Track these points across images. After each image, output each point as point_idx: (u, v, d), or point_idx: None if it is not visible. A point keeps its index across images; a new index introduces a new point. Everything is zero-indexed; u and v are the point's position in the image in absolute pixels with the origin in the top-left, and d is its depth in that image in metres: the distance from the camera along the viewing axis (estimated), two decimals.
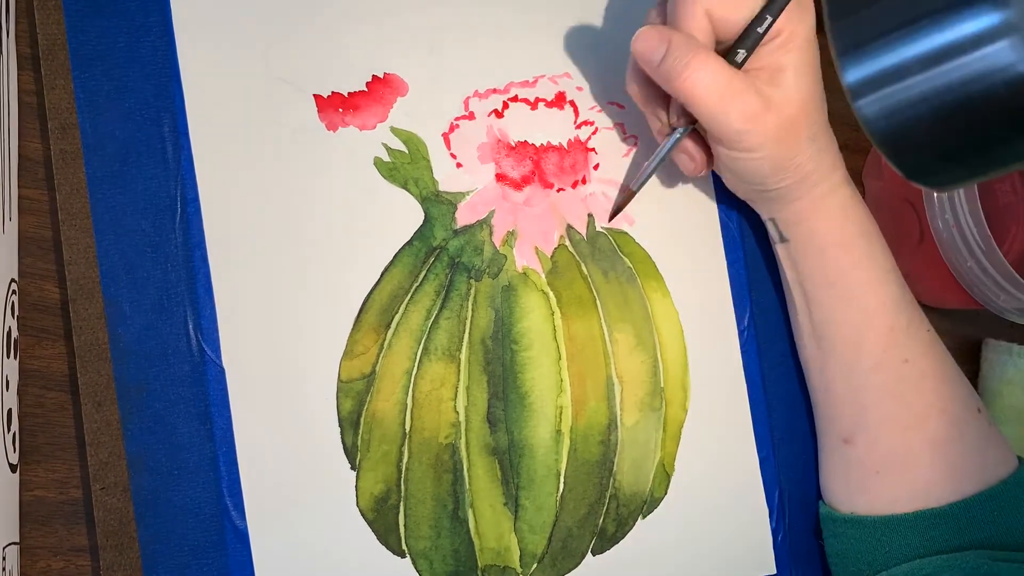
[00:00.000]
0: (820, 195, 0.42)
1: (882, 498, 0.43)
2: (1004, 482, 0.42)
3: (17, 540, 0.35)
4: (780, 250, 0.45)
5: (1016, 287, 0.46)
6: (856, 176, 0.53)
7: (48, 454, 0.37)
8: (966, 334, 0.55)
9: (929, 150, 0.28)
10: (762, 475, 0.46)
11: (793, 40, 0.39)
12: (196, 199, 0.38)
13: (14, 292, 0.36)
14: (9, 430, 0.35)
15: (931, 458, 0.42)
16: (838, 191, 0.42)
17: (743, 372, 0.47)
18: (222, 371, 0.38)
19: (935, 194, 0.46)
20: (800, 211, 0.42)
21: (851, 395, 0.43)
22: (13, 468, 0.35)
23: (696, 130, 0.42)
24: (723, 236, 0.47)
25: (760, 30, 0.38)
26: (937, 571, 0.40)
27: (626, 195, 0.43)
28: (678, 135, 0.41)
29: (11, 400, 0.35)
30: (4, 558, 0.34)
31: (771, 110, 0.39)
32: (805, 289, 0.44)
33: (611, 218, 0.44)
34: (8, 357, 0.35)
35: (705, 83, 0.37)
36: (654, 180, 0.46)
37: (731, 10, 0.38)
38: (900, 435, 0.42)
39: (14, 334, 0.36)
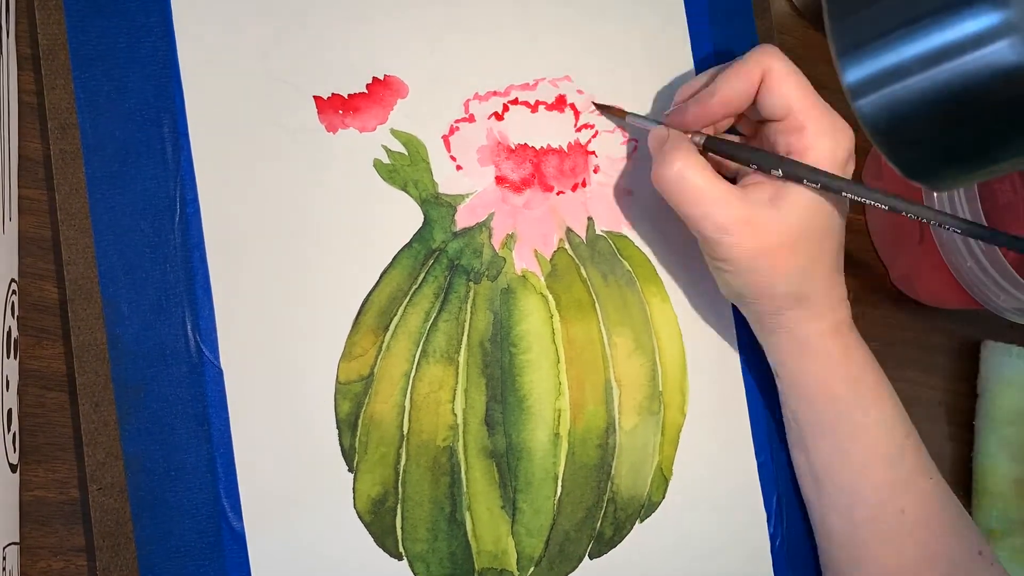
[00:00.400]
0: (804, 338, 0.41)
1: None
2: None
3: (17, 540, 0.35)
4: (777, 380, 0.44)
5: (1016, 287, 0.46)
6: (856, 176, 0.53)
7: (48, 454, 0.37)
8: (966, 334, 0.55)
9: (929, 150, 0.28)
10: (760, 480, 0.46)
11: (808, 160, 0.38)
12: (195, 200, 0.38)
13: (14, 292, 0.36)
14: (9, 430, 0.35)
15: None
16: (828, 339, 0.41)
17: (742, 376, 0.47)
18: (220, 372, 0.38)
19: (935, 194, 0.46)
20: (781, 347, 0.42)
21: (847, 542, 0.43)
22: (13, 468, 0.35)
23: None
24: None
25: (752, 167, 0.39)
26: None
27: (617, 113, 0.43)
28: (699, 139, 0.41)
29: (11, 400, 0.35)
30: (4, 558, 0.34)
31: (751, 226, 0.38)
32: (800, 427, 0.43)
33: (597, 106, 0.44)
34: (8, 357, 0.35)
35: (686, 177, 0.38)
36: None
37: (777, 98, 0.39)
38: None
39: (14, 334, 0.36)
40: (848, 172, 0.40)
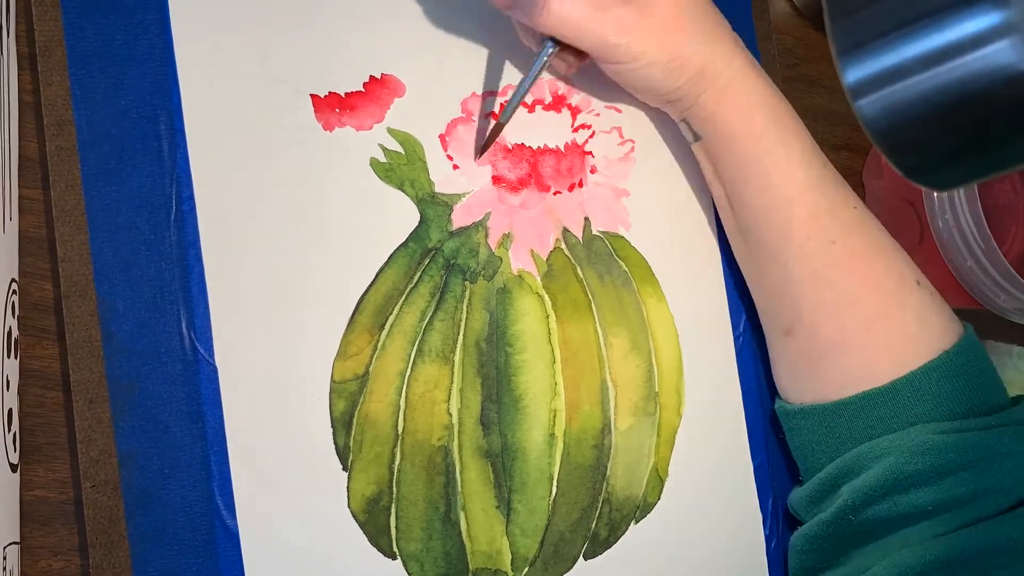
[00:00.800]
0: (721, 87, 0.41)
1: (827, 385, 0.42)
2: (946, 352, 0.41)
3: (17, 540, 0.35)
4: (696, 149, 0.44)
5: (1016, 287, 0.46)
6: (856, 176, 0.53)
7: (48, 454, 0.37)
8: None
9: (929, 150, 0.28)
10: (756, 481, 0.46)
11: None
12: (191, 197, 0.38)
13: (15, 292, 0.36)
14: (9, 430, 0.35)
15: (868, 337, 0.41)
16: (739, 80, 0.41)
17: (738, 377, 0.47)
18: (215, 370, 0.38)
19: (935, 194, 0.46)
20: (704, 105, 0.41)
21: (783, 287, 0.42)
22: (13, 468, 0.35)
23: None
24: (719, 241, 0.47)
25: None
26: (883, 452, 0.40)
27: (495, 128, 0.42)
28: (544, 57, 0.40)
29: (11, 400, 0.35)
30: (4, 558, 0.33)
31: (644, 14, 0.38)
32: (724, 184, 0.43)
33: (479, 155, 0.43)
34: (9, 357, 0.35)
35: (566, 11, 0.37)
36: (649, 185, 0.46)
37: None
38: (835, 319, 0.41)
39: (15, 334, 0.36)
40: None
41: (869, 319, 0.41)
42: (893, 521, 0.40)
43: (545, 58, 0.39)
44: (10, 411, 0.35)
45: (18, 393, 0.36)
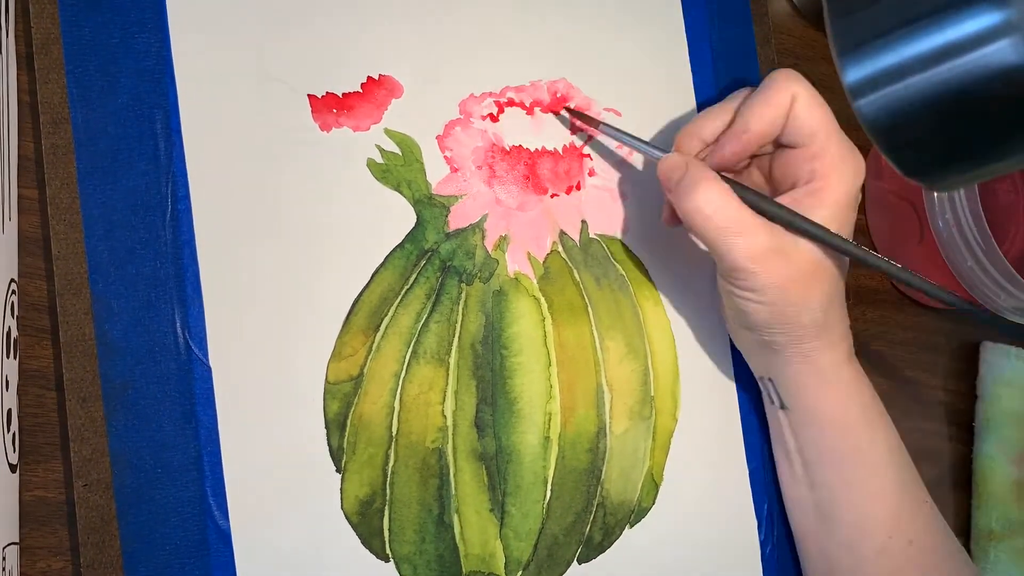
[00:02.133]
0: (822, 367, 0.41)
1: None
2: None
3: (17, 540, 0.35)
4: (779, 416, 0.43)
5: (1016, 287, 0.46)
6: None
7: (48, 454, 0.36)
8: (966, 334, 0.55)
9: (929, 149, 0.28)
10: (751, 486, 0.46)
11: (826, 193, 0.39)
12: (187, 197, 0.38)
13: (14, 292, 0.36)
14: (9, 430, 0.34)
15: None
16: (843, 367, 0.41)
17: (735, 382, 0.47)
18: (209, 370, 0.37)
19: (935, 194, 0.46)
20: (800, 378, 0.41)
21: (856, 571, 0.42)
22: (13, 468, 0.35)
23: None
24: None
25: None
26: None
27: (591, 123, 0.43)
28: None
29: (11, 400, 0.35)
30: (4, 558, 0.33)
31: (782, 256, 0.38)
32: (807, 461, 0.43)
33: (567, 112, 0.43)
34: (8, 357, 0.35)
35: (713, 205, 0.37)
36: (648, 189, 0.46)
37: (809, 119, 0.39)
38: None
39: (14, 334, 0.36)
40: (856, 203, 0.40)
41: None
42: None
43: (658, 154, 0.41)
44: (9, 411, 0.35)
45: (17, 393, 0.36)
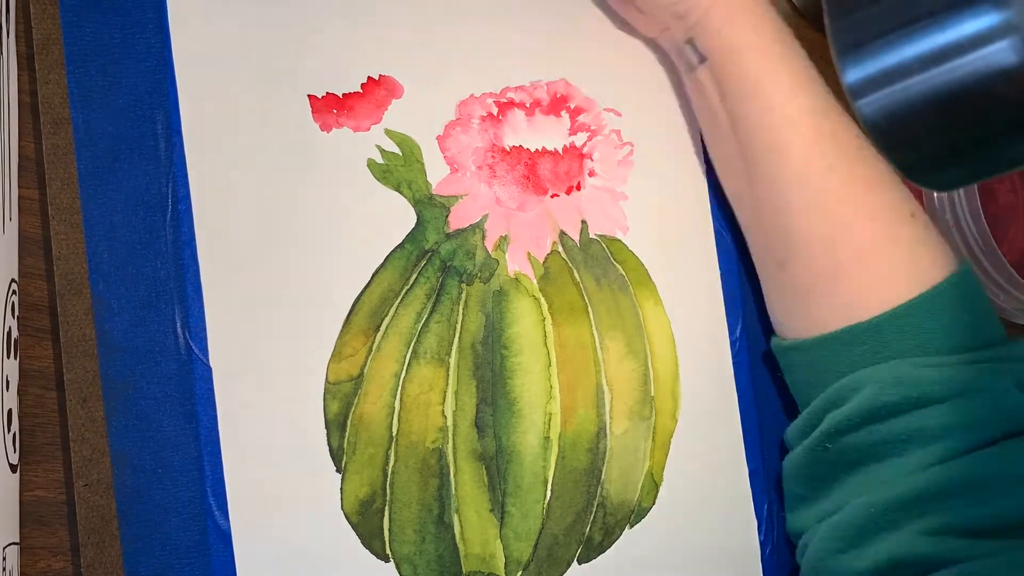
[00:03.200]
0: (724, 11, 0.41)
1: (816, 319, 0.42)
2: (935, 287, 0.40)
3: (17, 540, 0.35)
4: (701, 76, 0.43)
5: (1016, 287, 0.46)
6: None
7: (48, 454, 0.36)
8: None
9: (930, 150, 0.28)
10: (751, 486, 0.46)
11: None
12: (187, 197, 0.38)
13: (14, 292, 0.36)
14: (9, 430, 0.34)
15: (857, 270, 0.41)
16: (743, 11, 0.41)
17: (734, 383, 0.47)
18: (209, 370, 0.37)
19: (935, 194, 0.46)
20: (714, 18, 0.41)
21: (778, 216, 0.42)
22: (13, 468, 0.35)
23: None
24: (717, 245, 0.47)
25: None
26: (861, 384, 0.40)
27: None
28: None
29: (11, 400, 0.35)
30: (4, 558, 0.33)
31: None
32: (728, 107, 0.42)
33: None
34: (8, 357, 0.35)
35: None
36: (648, 188, 0.46)
37: None
38: (827, 250, 0.41)
39: (14, 334, 0.36)
40: None
41: (860, 251, 0.41)
42: (867, 450, 0.40)
43: None
44: (10, 411, 0.35)
45: (18, 393, 0.36)
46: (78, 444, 0.36)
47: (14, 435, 0.35)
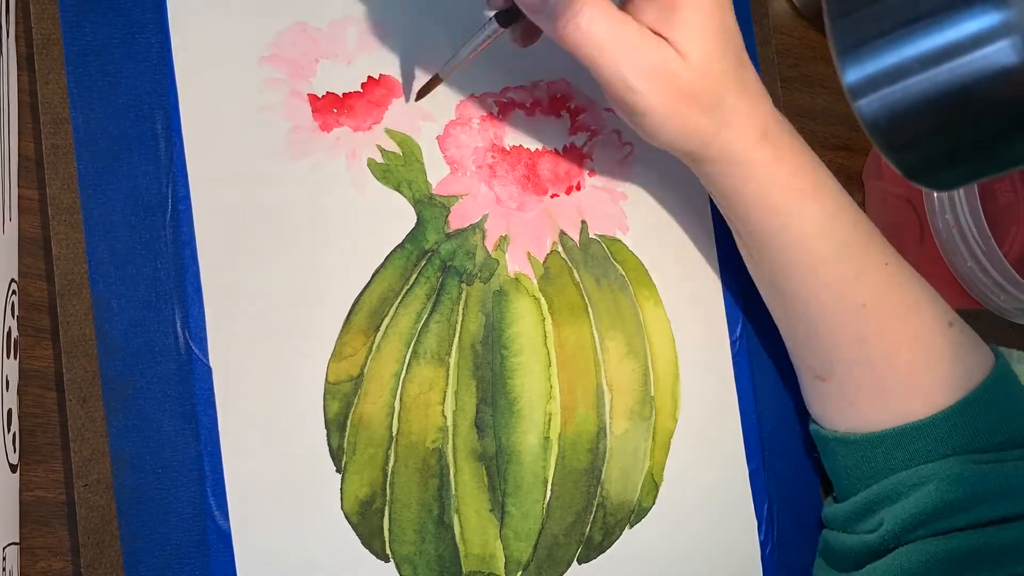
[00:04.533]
0: (734, 156, 0.38)
1: (862, 421, 0.43)
2: (980, 385, 0.41)
3: (17, 540, 0.35)
4: (719, 202, 0.42)
5: (1016, 287, 0.46)
6: (856, 176, 0.53)
7: (48, 454, 0.36)
8: None
9: (930, 150, 0.28)
10: (751, 486, 0.46)
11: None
12: (187, 197, 0.38)
13: (14, 292, 0.36)
14: (9, 430, 0.34)
15: (903, 387, 0.42)
16: (754, 151, 0.38)
17: (734, 383, 0.47)
18: (209, 370, 0.37)
19: (935, 194, 0.46)
20: (715, 175, 0.39)
21: (814, 340, 0.42)
22: (13, 468, 0.35)
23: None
24: (717, 245, 0.47)
25: None
26: (922, 480, 0.40)
27: (432, 80, 0.40)
28: (491, 31, 0.36)
29: (11, 400, 0.35)
30: (4, 558, 0.33)
31: (671, 64, 0.35)
32: (745, 242, 0.42)
33: (418, 98, 0.41)
34: (8, 357, 0.35)
35: (590, 19, 0.33)
36: (648, 188, 0.46)
37: None
38: (870, 373, 0.42)
39: (14, 334, 0.36)
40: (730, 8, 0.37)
41: (904, 374, 0.41)
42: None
43: (485, 36, 0.37)
44: (10, 411, 0.35)
45: (18, 393, 0.36)
46: (78, 444, 0.36)
47: (14, 435, 0.35)
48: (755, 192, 0.39)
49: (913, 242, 0.50)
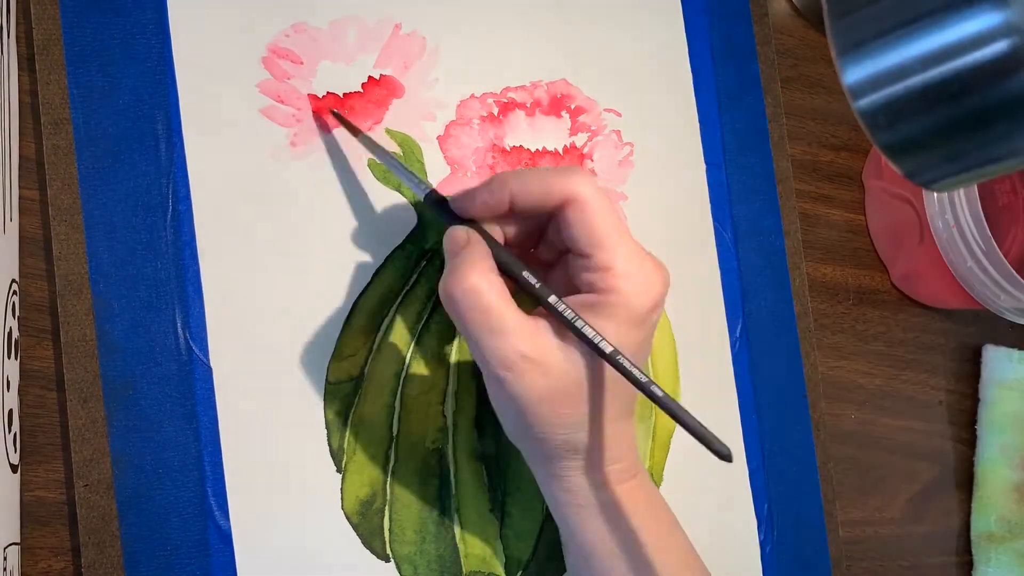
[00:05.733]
0: (575, 489, 0.36)
1: None
2: None
3: (18, 540, 0.35)
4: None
5: (1016, 287, 0.46)
6: (856, 176, 0.53)
7: (49, 454, 0.36)
8: (966, 335, 0.55)
9: (929, 150, 0.28)
10: (751, 486, 0.46)
11: (611, 308, 0.33)
12: (188, 197, 0.38)
13: (15, 292, 0.36)
14: (10, 430, 0.34)
15: None
16: (601, 491, 0.36)
17: (734, 383, 0.47)
18: (209, 370, 0.38)
19: (935, 194, 0.46)
20: (553, 495, 0.37)
21: None
22: (14, 468, 0.35)
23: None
24: (717, 244, 0.47)
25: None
26: None
27: (355, 130, 0.39)
28: (419, 192, 0.37)
29: (12, 400, 0.35)
30: (5, 558, 0.33)
31: (538, 368, 0.33)
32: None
33: (335, 117, 0.39)
34: (9, 357, 0.35)
35: (475, 294, 0.33)
36: (648, 189, 0.46)
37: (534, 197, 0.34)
38: None
39: (15, 334, 0.36)
40: (653, 320, 0.35)
41: None
42: None
43: (407, 181, 0.37)
44: (10, 412, 0.35)
45: (19, 393, 0.36)
46: (79, 445, 0.36)
47: (14, 435, 0.35)
48: (592, 531, 0.36)
49: (913, 242, 0.50)
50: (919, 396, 0.54)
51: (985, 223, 0.45)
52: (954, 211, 0.46)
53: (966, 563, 0.54)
